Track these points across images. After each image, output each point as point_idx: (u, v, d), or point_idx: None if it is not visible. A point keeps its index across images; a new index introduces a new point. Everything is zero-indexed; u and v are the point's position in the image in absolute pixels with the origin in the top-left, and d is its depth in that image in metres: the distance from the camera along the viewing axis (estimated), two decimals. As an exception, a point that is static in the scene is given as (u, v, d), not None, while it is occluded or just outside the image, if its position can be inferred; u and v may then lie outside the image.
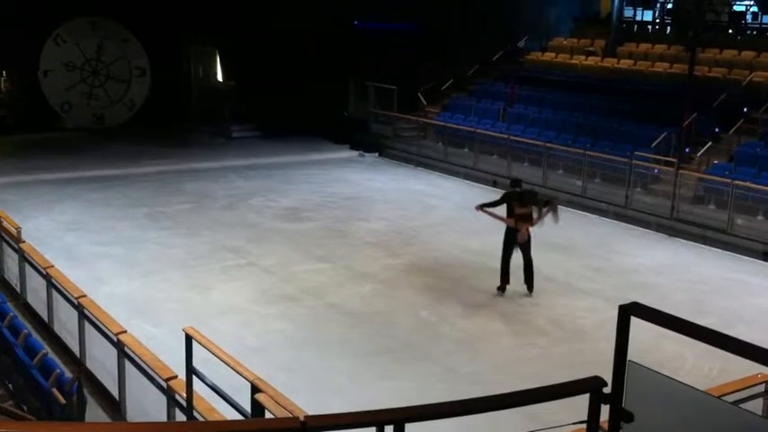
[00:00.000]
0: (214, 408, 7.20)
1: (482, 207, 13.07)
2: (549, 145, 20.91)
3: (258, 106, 27.23)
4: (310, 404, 6.74)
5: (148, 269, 14.24)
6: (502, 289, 13.19)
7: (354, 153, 25.59)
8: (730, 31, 26.29)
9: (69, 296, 10.28)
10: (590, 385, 3.98)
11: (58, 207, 18.09)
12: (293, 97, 25.95)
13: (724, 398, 5.32)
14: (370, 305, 12.98)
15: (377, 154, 25.42)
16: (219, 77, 29.73)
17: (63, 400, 7.20)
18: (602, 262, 15.30)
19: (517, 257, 13.06)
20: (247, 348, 10.40)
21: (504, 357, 11.23)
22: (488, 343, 11.68)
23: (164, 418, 7.82)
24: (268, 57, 26.27)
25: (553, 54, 26.81)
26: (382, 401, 4.39)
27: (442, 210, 19.21)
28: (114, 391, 9.14)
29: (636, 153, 19.00)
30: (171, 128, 27.09)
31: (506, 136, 22.13)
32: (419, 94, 26.10)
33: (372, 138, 26.03)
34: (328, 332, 11.90)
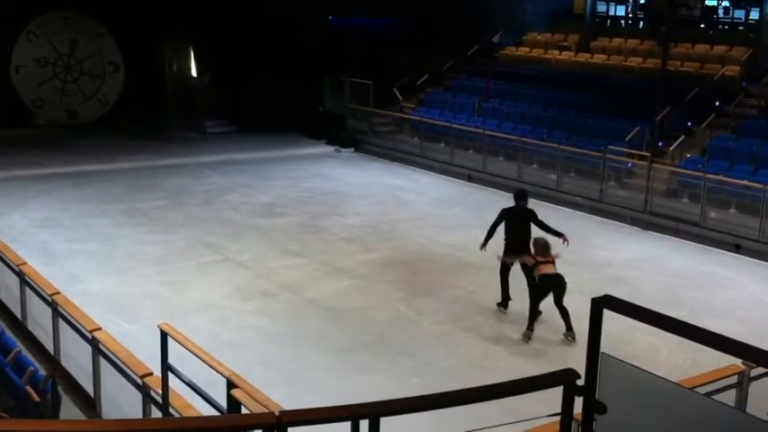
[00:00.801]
0: (190, 404, 7.19)
1: (485, 245, 12.05)
2: (523, 139, 20.99)
3: (233, 102, 27.13)
4: (287, 399, 6.77)
5: (124, 266, 14.15)
6: (503, 305, 12.46)
7: (330, 148, 25.56)
8: (702, 25, 26.51)
9: (43, 293, 10.20)
10: (563, 378, 4.01)
11: (32, 204, 17.93)
12: (268, 92, 25.85)
13: (697, 389, 5.38)
14: (347, 300, 12.99)
15: (353, 149, 25.40)
16: (194, 73, 29.57)
17: (37, 398, 7.16)
18: (576, 256, 15.32)
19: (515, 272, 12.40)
20: (223, 344, 10.37)
21: (480, 351, 11.28)
22: (465, 337, 11.72)
23: (139, 415, 7.79)
24: (243, 52, 26.16)
25: (527, 49, 26.92)
26: (359, 396, 4.40)
27: (419, 204, 19.24)
28: (89, 389, 9.08)
29: (609, 147, 19.13)
30: (145, 124, 26.87)
31: (482, 131, 22.19)
32: (395, 90, 26.11)
33: (348, 133, 26.01)
34: (305, 327, 11.90)
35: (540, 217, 12.24)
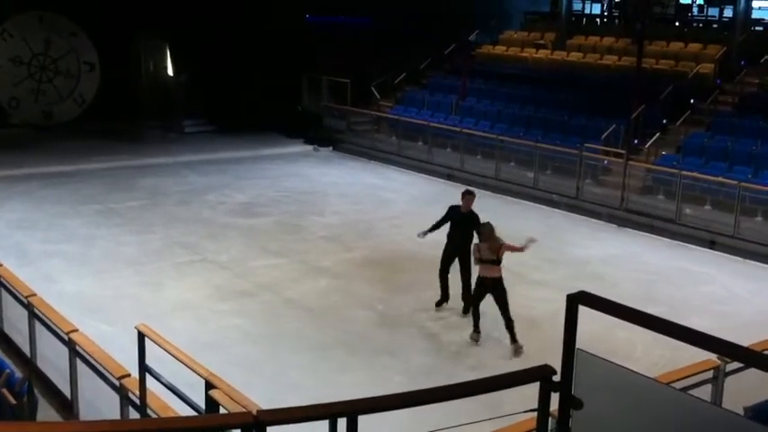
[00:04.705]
0: (168, 405, 7.15)
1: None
2: (501, 137, 21.06)
3: (210, 101, 27.00)
4: (266, 399, 6.74)
5: (100, 267, 14.06)
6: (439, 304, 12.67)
7: (308, 147, 25.52)
8: (677, 23, 26.74)
9: (19, 295, 10.11)
10: (540, 374, 4.04)
11: (7, 205, 17.76)
12: (246, 91, 25.77)
13: (672, 385, 5.44)
14: (326, 299, 12.98)
15: (331, 148, 25.38)
16: (171, 72, 29.39)
17: (13, 401, 7.09)
18: (554, 253, 15.45)
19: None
20: (202, 345, 10.32)
21: (459, 348, 11.31)
22: (444, 334, 11.74)
23: (117, 417, 7.74)
24: (220, 50, 26.06)
25: (504, 47, 27.03)
26: (339, 395, 4.41)
27: (397, 203, 19.26)
28: (66, 391, 9.01)
29: (586, 145, 19.23)
30: (122, 123, 26.70)
31: (459, 129, 22.25)
32: (372, 88, 26.11)
33: (326, 132, 25.98)
34: (284, 327, 11.88)
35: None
